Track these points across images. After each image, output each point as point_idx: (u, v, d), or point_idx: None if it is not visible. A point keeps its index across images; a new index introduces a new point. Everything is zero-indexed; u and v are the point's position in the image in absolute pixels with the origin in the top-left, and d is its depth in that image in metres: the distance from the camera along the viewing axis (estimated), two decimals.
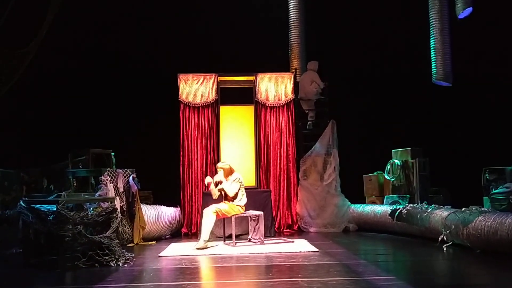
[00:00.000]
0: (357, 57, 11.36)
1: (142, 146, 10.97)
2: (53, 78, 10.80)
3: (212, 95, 10.31)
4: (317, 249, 7.38)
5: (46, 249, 6.42)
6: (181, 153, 10.21)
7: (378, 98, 11.31)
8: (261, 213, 8.30)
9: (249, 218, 8.34)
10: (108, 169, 8.66)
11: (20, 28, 8.98)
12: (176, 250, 7.74)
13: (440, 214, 7.81)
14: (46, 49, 9.58)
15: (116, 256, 6.52)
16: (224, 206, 8.03)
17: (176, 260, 6.88)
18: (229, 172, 8.25)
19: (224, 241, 8.24)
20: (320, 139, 10.47)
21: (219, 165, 8.39)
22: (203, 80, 10.34)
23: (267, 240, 8.35)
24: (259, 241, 8.11)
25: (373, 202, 10.45)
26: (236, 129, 10.40)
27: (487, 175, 9.41)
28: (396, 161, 10.31)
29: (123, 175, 8.63)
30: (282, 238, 8.92)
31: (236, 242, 7.96)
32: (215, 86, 10.34)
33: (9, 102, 9.68)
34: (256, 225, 8.27)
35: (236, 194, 8.12)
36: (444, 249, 7.23)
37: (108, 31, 11.06)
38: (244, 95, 10.54)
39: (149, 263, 6.73)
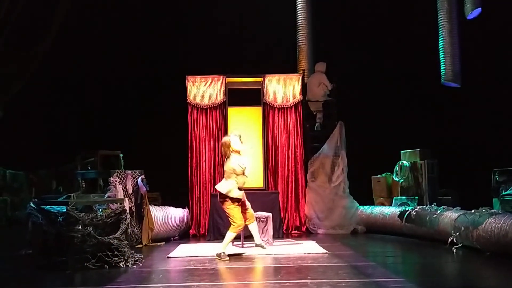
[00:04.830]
0: (365, 58, 11.33)
1: (150, 147, 11.01)
2: (62, 79, 10.86)
3: (220, 97, 10.32)
4: (325, 251, 7.37)
5: (56, 250, 6.46)
6: (189, 154, 10.22)
7: (387, 99, 11.27)
8: (269, 214, 8.30)
9: (258, 219, 8.33)
10: (117, 170, 8.69)
11: (30, 29, 9.04)
12: (185, 251, 7.75)
13: (450, 216, 7.77)
14: (55, 51, 9.64)
15: (125, 257, 6.54)
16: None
17: (185, 261, 6.89)
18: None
19: (233, 242, 8.22)
20: (328, 140, 10.45)
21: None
22: (211, 82, 10.35)
23: (276, 241, 8.34)
24: (267, 243, 8.10)
25: (382, 204, 10.41)
26: (244, 131, 10.31)
27: (496, 176, 9.35)
28: (404, 162, 10.27)
29: (131, 176, 8.66)
30: (290, 239, 8.91)
31: (244, 244, 7.94)
32: (223, 88, 10.35)
33: (18, 103, 9.74)
34: (264, 226, 8.27)
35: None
36: (454, 251, 7.19)
37: (117, 33, 11.10)
38: (252, 97, 10.54)
39: (158, 264, 6.75)
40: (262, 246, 7.48)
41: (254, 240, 8.21)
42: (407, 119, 11.08)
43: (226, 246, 7.14)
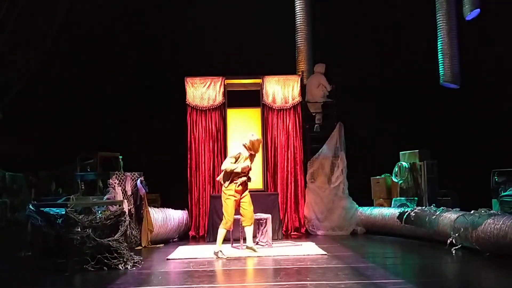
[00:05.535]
0: (365, 59, 11.33)
1: (149, 149, 11.01)
2: (61, 80, 10.85)
3: (219, 98, 10.33)
4: (325, 252, 7.37)
5: (55, 252, 6.45)
6: (189, 156, 10.23)
7: (386, 100, 11.27)
8: (268, 216, 8.30)
9: (257, 221, 8.33)
10: (116, 172, 8.70)
11: (30, 29, 9.04)
12: (184, 253, 7.75)
13: (449, 216, 7.78)
14: (55, 51, 9.65)
15: (125, 259, 6.53)
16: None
17: (184, 263, 6.89)
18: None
19: (232, 244, 8.23)
20: (327, 141, 10.45)
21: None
22: (210, 83, 10.35)
23: (275, 243, 8.35)
24: (266, 244, 8.11)
25: (381, 205, 10.41)
26: (243, 132, 10.32)
27: (496, 177, 9.34)
28: (404, 163, 10.27)
29: (131, 178, 8.66)
30: (290, 241, 8.91)
31: (243, 245, 7.94)
32: (222, 89, 10.35)
33: (18, 104, 9.75)
34: (264, 228, 8.27)
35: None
36: (453, 252, 7.19)
37: (117, 34, 11.10)
38: (251, 98, 10.54)
39: (157, 266, 6.75)
40: (253, 249, 7.49)
41: (257, 240, 8.23)
42: (407, 119, 11.08)
43: (220, 242, 7.29)
